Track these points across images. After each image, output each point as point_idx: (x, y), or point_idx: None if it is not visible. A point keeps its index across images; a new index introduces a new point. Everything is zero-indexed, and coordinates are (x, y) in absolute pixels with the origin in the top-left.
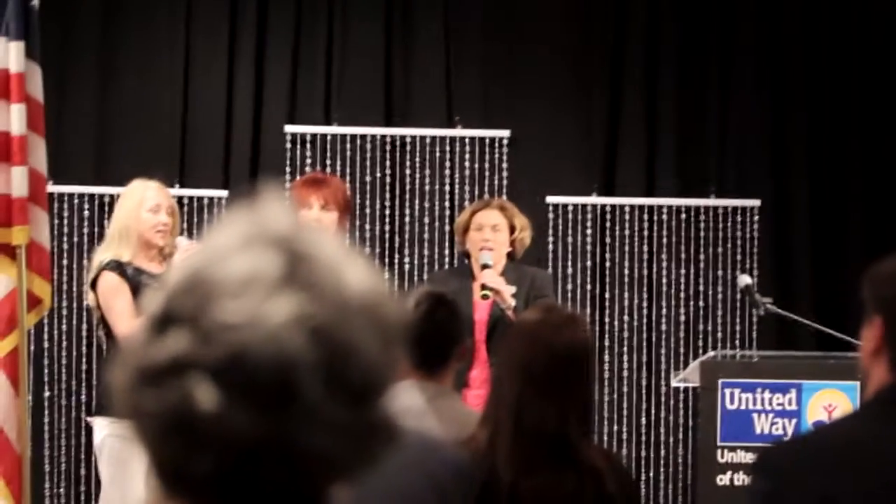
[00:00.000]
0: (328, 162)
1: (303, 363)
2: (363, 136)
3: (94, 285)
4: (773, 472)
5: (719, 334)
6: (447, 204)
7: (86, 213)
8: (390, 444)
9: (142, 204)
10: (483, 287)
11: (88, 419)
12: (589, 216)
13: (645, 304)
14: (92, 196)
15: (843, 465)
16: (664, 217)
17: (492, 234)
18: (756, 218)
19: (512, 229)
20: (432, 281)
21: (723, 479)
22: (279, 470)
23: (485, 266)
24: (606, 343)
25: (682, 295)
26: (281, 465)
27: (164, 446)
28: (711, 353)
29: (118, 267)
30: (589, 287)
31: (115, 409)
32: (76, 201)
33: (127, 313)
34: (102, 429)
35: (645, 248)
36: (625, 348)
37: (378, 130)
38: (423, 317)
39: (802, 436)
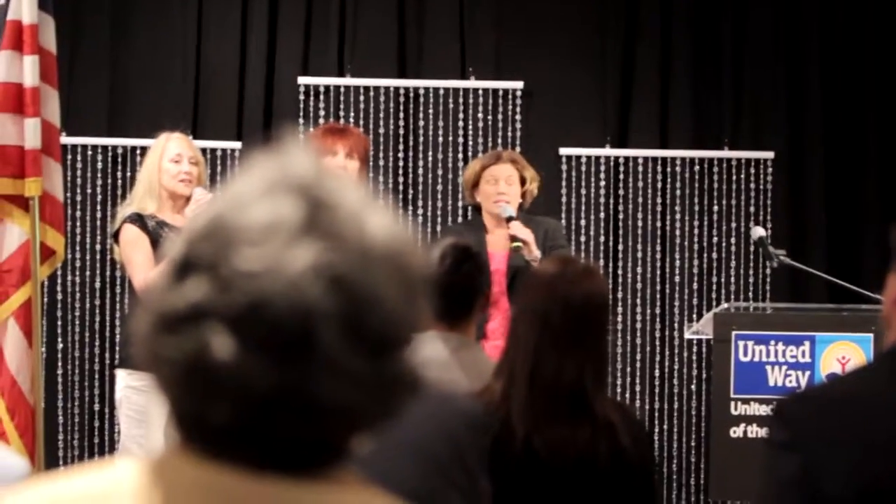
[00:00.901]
0: (342, 114)
1: (322, 313)
2: (377, 88)
3: (117, 238)
4: (790, 422)
5: (732, 286)
6: (461, 156)
7: (99, 164)
8: (411, 396)
9: (164, 155)
10: (513, 239)
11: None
12: (602, 168)
13: (658, 256)
14: (105, 148)
15: (863, 417)
16: (678, 169)
17: (506, 187)
18: (770, 170)
19: (522, 181)
20: (448, 234)
21: (736, 432)
22: (297, 421)
23: (510, 218)
24: (619, 295)
25: (696, 247)
26: (298, 416)
27: (183, 395)
28: (725, 305)
29: (139, 219)
30: (602, 239)
31: (135, 359)
32: (89, 153)
33: (144, 265)
34: (122, 380)
35: (658, 200)
36: (638, 300)
37: (391, 82)
38: (450, 269)
39: (822, 386)
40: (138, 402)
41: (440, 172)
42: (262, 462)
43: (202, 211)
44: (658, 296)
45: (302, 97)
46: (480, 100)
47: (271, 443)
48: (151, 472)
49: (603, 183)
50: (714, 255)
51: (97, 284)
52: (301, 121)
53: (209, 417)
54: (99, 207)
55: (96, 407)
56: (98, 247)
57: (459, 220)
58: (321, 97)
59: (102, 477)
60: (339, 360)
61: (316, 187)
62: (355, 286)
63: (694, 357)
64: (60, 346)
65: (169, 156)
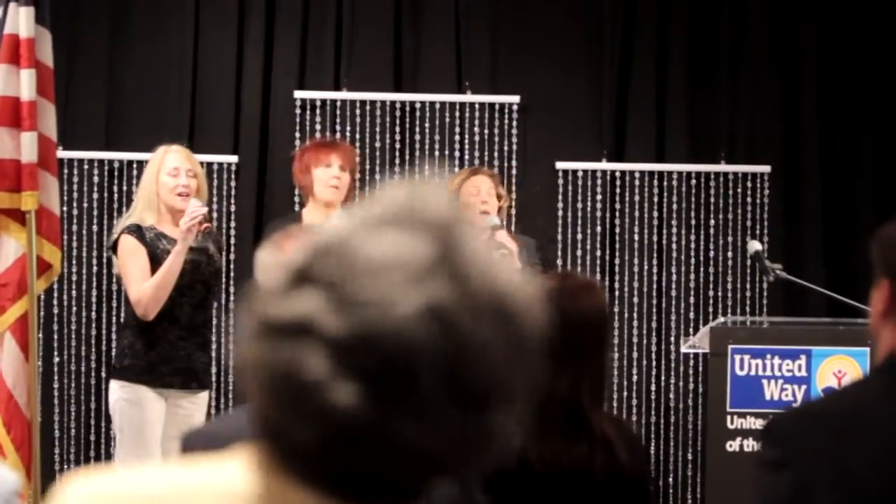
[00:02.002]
0: (338, 128)
1: (426, 356)
2: (373, 102)
3: (115, 250)
4: (781, 440)
5: (729, 300)
6: (457, 170)
7: (95, 178)
8: (497, 455)
9: (161, 168)
10: (499, 247)
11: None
12: (599, 182)
13: (655, 270)
14: (102, 162)
15: (853, 433)
16: (674, 183)
17: (488, 198)
18: (766, 184)
19: (498, 197)
20: None
21: (732, 446)
22: (377, 456)
23: (495, 227)
24: (616, 309)
25: (692, 261)
26: (380, 452)
27: (270, 404)
28: (721, 319)
29: (136, 231)
30: (598, 253)
31: (129, 370)
32: (86, 167)
33: (140, 276)
34: (115, 392)
35: (655, 213)
36: (634, 314)
37: (388, 96)
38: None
39: (811, 403)
40: (132, 413)
41: None
42: (337, 490)
43: (331, 226)
44: (654, 310)
45: (298, 111)
46: (477, 114)
47: (349, 472)
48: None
49: (599, 197)
50: (711, 269)
51: (93, 298)
52: (297, 135)
53: (291, 434)
54: (95, 221)
55: (92, 420)
56: (94, 261)
57: None
58: (318, 111)
59: (207, 475)
60: (433, 405)
61: (450, 230)
62: (466, 337)
63: (690, 371)
64: (57, 359)
65: (166, 169)
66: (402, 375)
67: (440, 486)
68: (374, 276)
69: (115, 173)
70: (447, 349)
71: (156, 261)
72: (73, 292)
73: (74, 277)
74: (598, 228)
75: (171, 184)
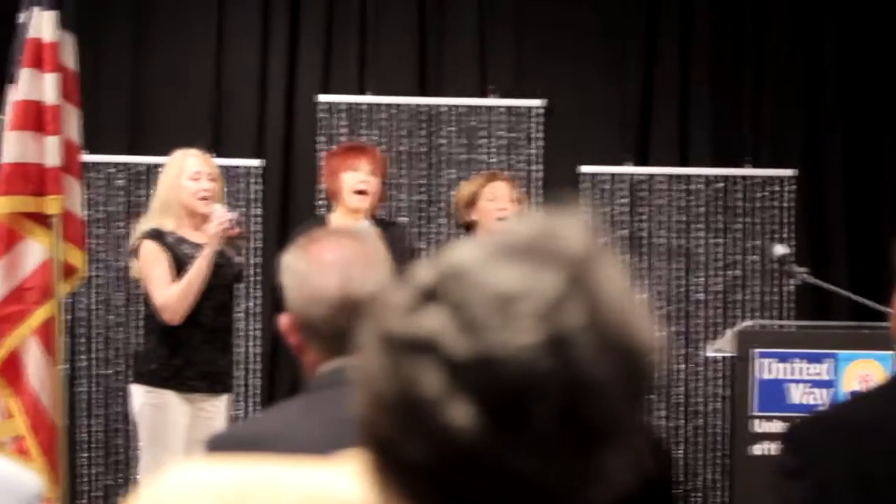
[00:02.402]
0: (362, 131)
1: (545, 389)
2: (397, 106)
3: (135, 254)
4: (800, 447)
5: (754, 304)
6: (477, 175)
7: (119, 182)
8: (609, 493)
9: (182, 172)
10: None
11: (128, 386)
12: (622, 186)
13: (679, 273)
14: (126, 165)
15: (872, 440)
16: (699, 186)
17: (507, 205)
18: (791, 187)
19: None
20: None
21: (757, 450)
22: (484, 481)
23: None
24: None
25: (717, 265)
26: (487, 477)
27: (382, 418)
28: (746, 323)
29: (157, 236)
30: (623, 257)
31: (145, 380)
32: (110, 171)
33: (164, 282)
34: (139, 397)
35: (679, 217)
36: (659, 318)
37: (412, 100)
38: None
39: (831, 410)
40: (156, 417)
41: None
42: None
43: (461, 250)
44: (680, 314)
45: (322, 115)
46: (501, 118)
47: (454, 495)
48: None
49: (624, 200)
50: (736, 273)
51: (118, 301)
52: (321, 139)
53: (401, 449)
54: (119, 225)
55: (117, 424)
56: (119, 264)
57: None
58: (341, 115)
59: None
60: (546, 437)
61: (581, 264)
62: (587, 372)
63: (715, 375)
64: (82, 363)
65: (188, 173)
66: (519, 403)
67: None
68: (500, 304)
69: (139, 177)
70: (567, 382)
71: (179, 265)
72: (98, 296)
73: (99, 281)
74: (622, 232)
75: (193, 188)
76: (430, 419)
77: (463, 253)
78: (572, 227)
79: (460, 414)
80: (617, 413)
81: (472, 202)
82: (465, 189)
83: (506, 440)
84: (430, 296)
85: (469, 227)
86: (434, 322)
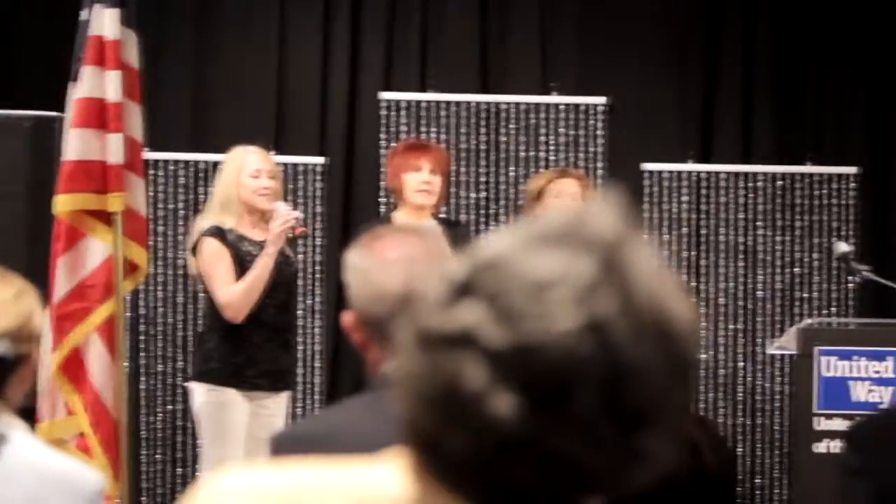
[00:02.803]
0: (423, 129)
1: (585, 373)
2: (458, 103)
3: (194, 251)
4: (863, 446)
5: (816, 302)
6: (542, 171)
7: (181, 180)
8: (654, 475)
9: (243, 169)
10: None
11: (186, 384)
12: (685, 183)
13: (741, 271)
14: (188, 163)
15: None
16: (760, 184)
17: (572, 203)
18: (853, 185)
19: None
20: None
21: (819, 447)
22: (529, 469)
23: None
24: (703, 310)
25: (779, 262)
26: (531, 466)
27: (424, 414)
28: (808, 321)
29: (218, 233)
30: (685, 254)
31: (215, 373)
32: (172, 168)
33: (227, 279)
34: (200, 395)
35: (741, 215)
36: (721, 316)
37: (473, 97)
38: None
39: (893, 409)
40: (218, 415)
41: (522, 188)
42: (489, 502)
43: (493, 241)
44: (741, 311)
45: (384, 112)
46: (563, 115)
47: (499, 485)
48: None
49: (686, 198)
50: (797, 271)
51: (180, 299)
52: (383, 136)
53: (445, 444)
54: (181, 222)
55: (179, 422)
56: (181, 262)
57: None
58: (403, 112)
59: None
60: (589, 422)
61: (616, 248)
62: (626, 354)
63: (777, 372)
64: (143, 360)
65: (249, 171)
66: (561, 389)
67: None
68: (536, 292)
69: (201, 174)
70: (607, 366)
71: (240, 263)
72: (160, 293)
73: (161, 279)
74: (685, 230)
75: (254, 185)
76: (473, 412)
77: (496, 244)
78: (603, 212)
79: (503, 404)
80: (658, 395)
81: (538, 197)
82: (533, 184)
83: (549, 427)
84: (465, 289)
85: None
86: (471, 315)
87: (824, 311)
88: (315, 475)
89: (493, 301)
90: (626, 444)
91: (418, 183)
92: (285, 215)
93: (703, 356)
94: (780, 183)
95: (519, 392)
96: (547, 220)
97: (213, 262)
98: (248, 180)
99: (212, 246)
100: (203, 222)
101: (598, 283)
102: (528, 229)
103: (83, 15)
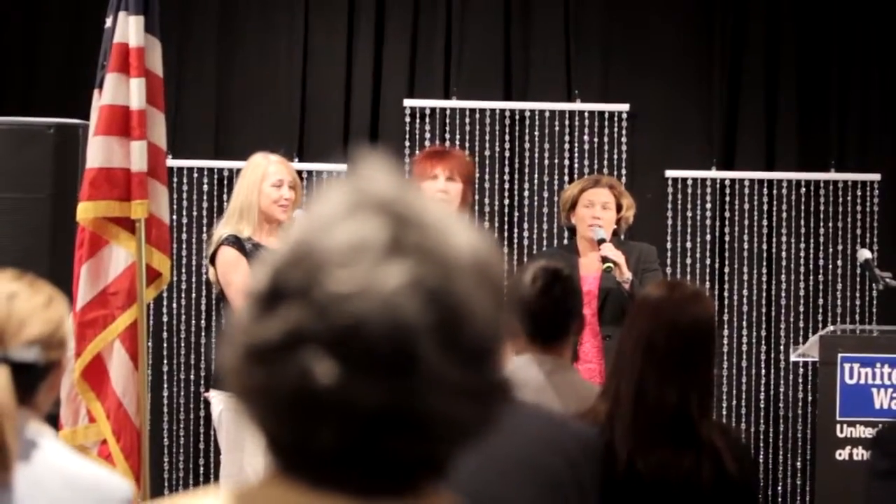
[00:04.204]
0: (447, 136)
1: (420, 329)
2: (482, 111)
3: (213, 260)
4: (891, 450)
5: (839, 309)
6: (566, 178)
7: (205, 187)
8: (505, 403)
9: (264, 178)
10: (605, 260)
11: (205, 394)
12: (708, 190)
13: (764, 278)
14: (211, 170)
15: None
16: (784, 191)
17: (602, 212)
18: (876, 192)
19: (619, 208)
20: (540, 258)
21: (842, 455)
22: (403, 437)
23: (601, 241)
24: (725, 317)
25: (802, 269)
26: (404, 433)
27: (281, 423)
28: (831, 328)
29: (236, 242)
30: (708, 261)
31: (225, 386)
32: (195, 175)
33: (245, 288)
34: (220, 403)
35: (764, 222)
36: (744, 323)
37: (497, 104)
38: (540, 291)
39: None
40: (236, 424)
41: (546, 195)
42: (364, 485)
43: (282, 239)
44: (764, 318)
45: (408, 119)
46: (586, 122)
47: (375, 463)
48: (247, 501)
49: (709, 205)
50: (820, 278)
51: (202, 307)
52: (407, 143)
53: (312, 444)
54: (205, 230)
55: (201, 429)
56: (203, 269)
57: (565, 242)
58: (427, 119)
59: None
60: (440, 373)
61: (397, 204)
62: (448, 299)
63: (800, 380)
64: (166, 368)
65: (270, 180)
66: (404, 352)
67: None
68: (343, 267)
69: (225, 182)
70: (435, 316)
71: None
72: (183, 301)
73: (184, 286)
74: (708, 237)
75: (275, 195)
76: (333, 404)
77: (283, 242)
78: (374, 173)
79: (357, 386)
80: (488, 323)
81: (572, 206)
82: (567, 193)
83: (407, 390)
84: (275, 295)
85: (573, 231)
86: (290, 317)
87: (847, 319)
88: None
89: (306, 296)
90: (475, 382)
91: (434, 192)
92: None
93: (725, 363)
94: (803, 190)
95: (367, 369)
96: (326, 197)
97: (231, 269)
98: (269, 190)
99: (230, 254)
100: (221, 230)
101: (395, 241)
102: (312, 212)
103: (107, 22)
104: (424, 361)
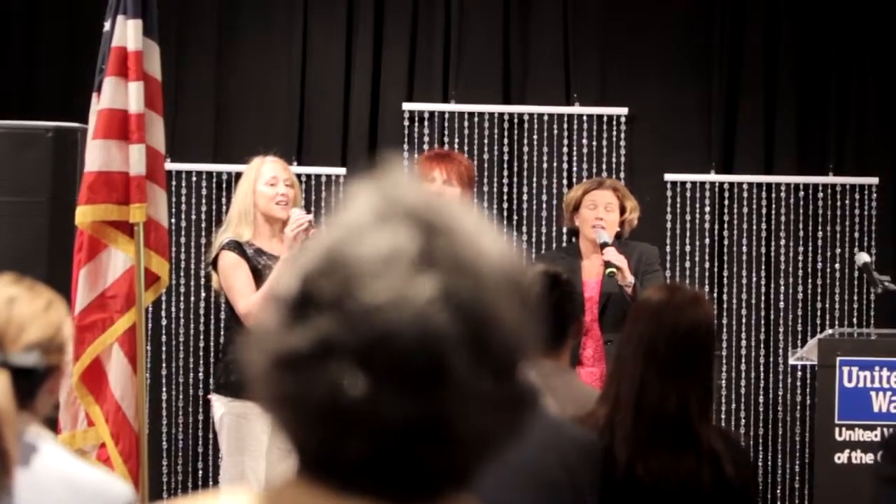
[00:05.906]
0: (446, 139)
1: (450, 341)
2: (481, 114)
3: (215, 266)
4: None
5: (837, 312)
6: (565, 182)
7: (203, 190)
8: (532, 413)
9: (258, 179)
10: (607, 264)
11: (208, 396)
12: (707, 194)
13: (763, 281)
14: (210, 174)
15: None
16: (782, 195)
17: (605, 214)
18: (874, 196)
19: (622, 210)
20: (542, 261)
21: (841, 458)
22: (431, 449)
23: (604, 244)
24: (724, 321)
25: (800, 273)
26: (433, 444)
27: (311, 433)
28: (829, 331)
29: (237, 246)
30: (707, 265)
31: (252, 394)
32: (194, 179)
33: (246, 291)
34: (221, 407)
35: (763, 225)
36: (742, 326)
37: (496, 108)
38: (539, 296)
39: None
40: (239, 428)
41: (544, 198)
42: (391, 493)
43: (311, 245)
44: (762, 322)
45: (406, 123)
46: (585, 125)
47: (403, 473)
48: (274, 502)
49: (708, 209)
50: (819, 281)
51: (201, 310)
52: (406, 146)
53: (341, 453)
54: (203, 233)
55: (200, 432)
56: (202, 272)
57: (564, 245)
58: (426, 123)
59: None
60: (470, 385)
61: (427, 213)
62: (478, 310)
63: (798, 383)
64: (164, 371)
65: (264, 179)
66: (434, 364)
67: None
68: (376, 278)
69: (223, 185)
70: (464, 327)
71: (257, 276)
72: (181, 304)
73: (182, 289)
74: (707, 240)
75: (270, 193)
76: (361, 416)
77: (314, 249)
78: (401, 180)
79: (387, 398)
80: (515, 335)
81: (576, 208)
82: (570, 194)
83: (437, 402)
84: (305, 303)
85: (576, 234)
86: (321, 327)
87: (845, 322)
88: None
89: (338, 306)
90: (503, 393)
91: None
92: (298, 219)
93: (724, 367)
94: (801, 193)
95: (397, 381)
96: (353, 204)
97: (232, 273)
98: (263, 188)
99: (230, 258)
100: (222, 235)
101: (427, 252)
102: (340, 219)
103: (106, 26)
104: (454, 373)
